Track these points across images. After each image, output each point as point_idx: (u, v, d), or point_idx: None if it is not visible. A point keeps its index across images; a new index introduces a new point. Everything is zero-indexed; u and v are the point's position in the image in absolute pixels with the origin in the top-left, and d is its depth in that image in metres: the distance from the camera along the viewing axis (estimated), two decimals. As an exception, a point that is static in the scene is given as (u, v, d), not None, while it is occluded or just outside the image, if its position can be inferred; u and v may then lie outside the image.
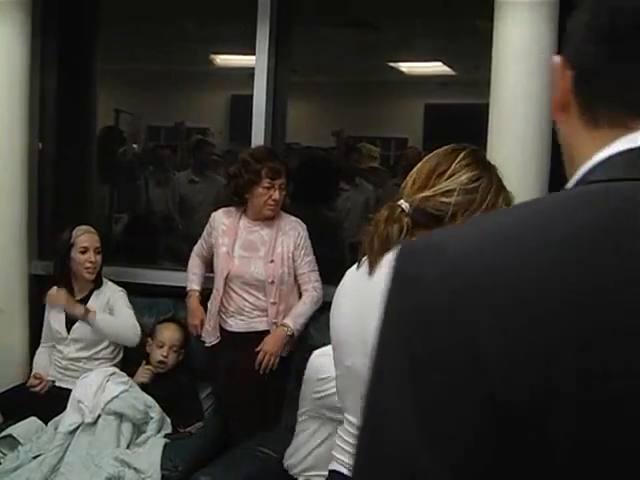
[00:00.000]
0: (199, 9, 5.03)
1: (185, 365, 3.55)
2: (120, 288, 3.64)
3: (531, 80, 2.91)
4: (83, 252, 3.54)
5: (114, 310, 3.54)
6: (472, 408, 0.55)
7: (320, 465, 2.39)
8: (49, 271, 3.83)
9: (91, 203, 4.67)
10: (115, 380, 3.31)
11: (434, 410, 0.57)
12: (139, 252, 4.54)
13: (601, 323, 0.55)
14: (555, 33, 2.90)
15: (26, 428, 3.29)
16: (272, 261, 3.31)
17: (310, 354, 2.62)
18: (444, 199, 1.59)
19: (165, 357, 3.46)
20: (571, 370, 0.54)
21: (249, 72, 3.97)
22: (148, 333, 3.58)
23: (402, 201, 1.61)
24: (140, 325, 3.63)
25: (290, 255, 3.34)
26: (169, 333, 3.51)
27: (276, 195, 3.28)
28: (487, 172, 1.64)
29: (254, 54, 3.87)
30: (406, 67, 6.80)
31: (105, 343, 3.56)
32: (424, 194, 1.60)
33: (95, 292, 3.57)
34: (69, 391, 3.31)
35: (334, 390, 1.78)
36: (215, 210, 3.53)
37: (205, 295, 3.53)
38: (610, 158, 0.63)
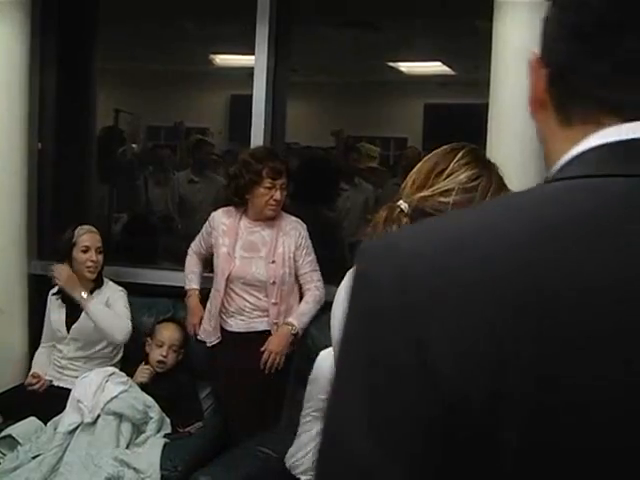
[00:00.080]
0: (199, 9, 5.03)
1: (185, 365, 3.55)
2: (121, 288, 3.64)
3: (531, 80, 2.90)
4: (85, 251, 3.55)
5: (112, 308, 3.54)
6: (421, 409, 0.55)
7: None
8: (48, 271, 3.83)
9: (90, 203, 4.67)
10: (114, 380, 3.31)
11: (385, 409, 0.57)
12: (138, 252, 4.54)
13: (557, 328, 0.54)
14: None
15: (25, 428, 3.29)
16: (273, 262, 3.31)
17: (311, 354, 2.62)
18: (442, 199, 1.58)
19: (164, 357, 3.46)
20: (522, 376, 0.54)
21: (248, 72, 3.97)
22: (147, 333, 3.58)
23: (401, 201, 1.61)
24: (139, 325, 3.63)
25: (291, 255, 3.34)
26: (168, 333, 3.51)
27: (277, 195, 3.28)
28: (487, 170, 1.64)
29: (253, 54, 3.87)
30: (406, 67, 6.81)
31: (104, 342, 3.56)
32: (422, 194, 1.60)
33: (96, 291, 3.57)
34: (68, 391, 3.30)
35: None
36: (215, 210, 3.53)
37: (203, 294, 3.54)
38: (581, 155, 0.63)
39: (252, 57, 3.89)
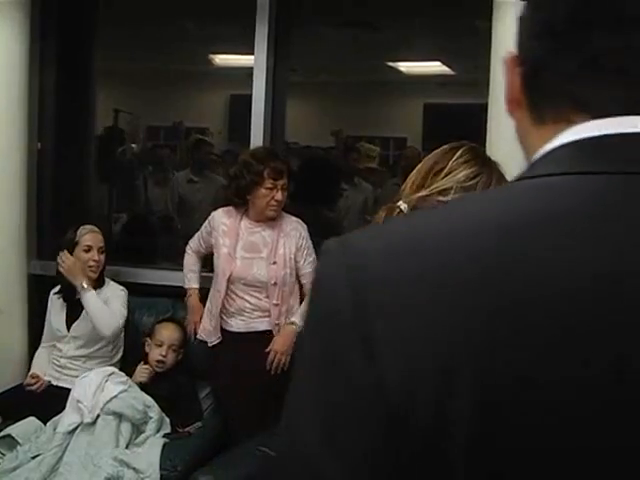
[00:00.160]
0: (198, 9, 5.03)
1: (184, 365, 3.55)
2: (121, 287, 3.65)
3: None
4: (87, 251, 3.56)
5: (108, 305, 3.54)
6: (368, 410, 0.55)
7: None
8: (48, 271, 3.83)
9: (90, 203, 4.67)
10: (114, 380, 3.31)
11: (334, 411, 0.56)
12: (138, 252, 4.54)
13: (506, 335, 0.54)
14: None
15: (25, 428, 3.29)
16: (274, 263, 3.30)
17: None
18: (441, 198, 1.58)
19: (164, 356, 3.46)
20: (467, 382, 0.53)
21: (248, 72, 3.97)
22: (147, 333, 3.58)
23: (401, 202, 1.60)
24: (139, 325, 3.64)
25: (292, 256, 3.34)
26: (168, 332, 3.52)
27: (279, 196, 3.28)
28: (487, 168, 1.63)
29: (253, 54, 3.87)
30: (405, 67, 6.81)
31: (104, 341, 3.56)
32: (421, 194, 1.59)
33: (97, 291, 3.58)
34: (68, 391, 3.30)
35: None
36: (214, 209, 3.52)
37: (202, 293, 3.54)
38: (549, 153, 0.63)
39: (252, 57, 3.89)
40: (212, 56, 6.88)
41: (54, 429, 3.21)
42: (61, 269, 3.54)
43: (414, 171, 1.65)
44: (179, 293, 3.66)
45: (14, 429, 3.27)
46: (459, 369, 0.53)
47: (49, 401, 3.39)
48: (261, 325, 3.33)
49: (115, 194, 5.53)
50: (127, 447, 3.17)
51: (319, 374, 0.58)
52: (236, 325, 3.36)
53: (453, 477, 0.54)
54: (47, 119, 4.17)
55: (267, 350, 3.27)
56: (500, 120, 3.02)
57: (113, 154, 5.71)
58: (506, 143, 3.01)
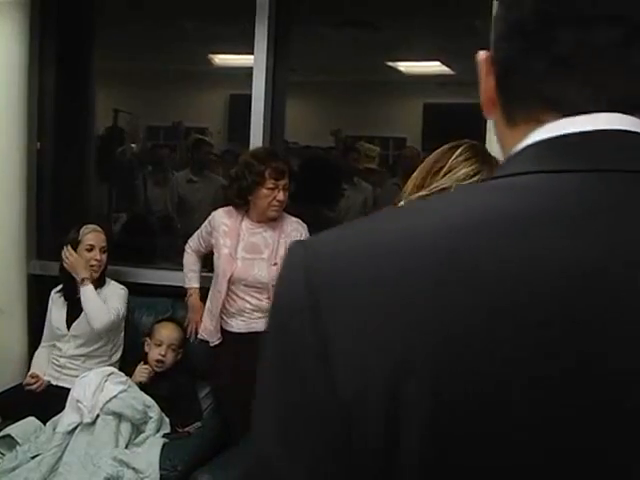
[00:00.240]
0: (198, 9, 5.03)
1: (184, 365, 3.55)
2: (122, 287, 3.66)
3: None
4: (89, 250, 3.56)
5: (106, 302, 3.55)
6: (320, 411, 0.55)
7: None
8: (48, 271, 3.83)
9: (90, 203, 4.67)
10: (114, 380, 3.31)
11: (290, 411, 0.56)
12: (138, 252, 4.54)
13: (460, 339, 0.53)
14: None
15: (24, 428, 3.29)
16: (275, 264, 3.30)
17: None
18: None
19: (163, 356, 3.46)
20: (420, 386, 0.53)
21: (248, 72, 3.97)
22: (146, 333, 3.59)
23: (402, 202, 1.60)
24: (138, 325, 3.65)
25: None
26: (167, 332, 3.52)
27: (280, 196, 3.28)
28: (487, 165, 1.63)
29: (253, 54, 3.86)
30: (405, 67, 6.81)
31: (104, 340, 3.57)
32: (420, 193, 1.59)
33: (97, 290, 3.58)
34: (67, 391, 3.31)
35: None
36: (214, 209, 3.52)
37: (202, 293, 3.54)
38: (519, 152, 0.62)
39: (251, 57, 3.89)
40: (212, 56, 6.88)
41: (54, 429, 3.21)
42: (65, 264, 3.55)
43: (416, 171, 1.65)
44: (179, 293, 3.66)
45: (14, 429, 3.27)
46: (411, 371, 0.53)
47: (49, 401, 3.40)
48: (261, 326, 3.33)
49: (115, 194, 5.54)
50: (127, 447, 3.17)
51: (277, 375, 0.58)
52: (236, 326, 3.35)
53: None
54: (47, 119, 4.17)
55: None
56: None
57: (113, 154, 5.71)
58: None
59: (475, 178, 1.59)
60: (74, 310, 3.57)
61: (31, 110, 3.89)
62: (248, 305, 3.33)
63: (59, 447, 3.11)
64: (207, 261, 3.59)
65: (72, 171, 4.38)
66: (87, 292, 3.50)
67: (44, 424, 3.30)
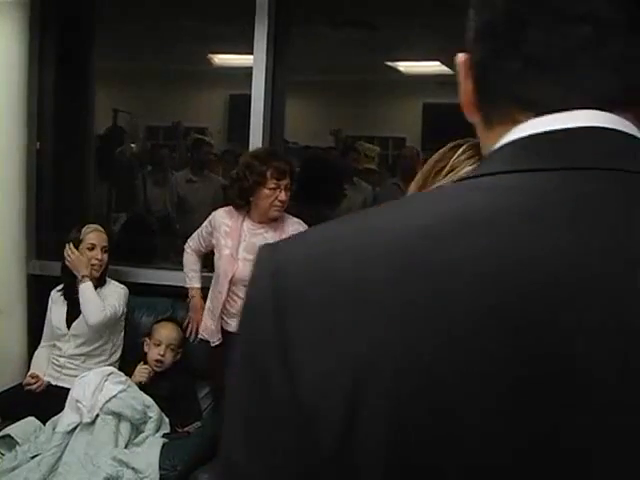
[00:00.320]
0: (197, 9, 5.03)
1: (183, 365, 3.55)
2: (122, 286, 3.67)
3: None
4: (90, 249, 3.57)
5: (104, 300, 3.55)
6: (279, 412, 0.54)
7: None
8: (47, 271, 3.83)
9: (89, 203, 4.67)
10: (113, 380, 3.31)
11: (252, 411, 0.56)
12: (137, 251, 4.54)
13: (420, 344, 0.52)
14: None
15: (24, 428, 3.29)
16: None
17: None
18: None
19: (162, 355, 3.46)
20: (379, 391, 0.52)
21: (247, 71, 3.97)
22: (146, 332, 3.59)
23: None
24: (138, 325, 3.65)
25: None
26: (166, 332, 3.52)
27: (282, 196, 3.27)
28: None
29: (252, 53, 3.86)
30: (404, 67, 6.81)
31: (103, 340, 3.57)
32: None
33: (97, 290, 3.58)
34: (67, 391, 3.31)
35: None
36: (214, 209, 3.52)
37: (202, 293, 3.55)
38: (494, 153, 0.62)
39: (251, 57, 3.89)
40: (211, 56, 6.88)
41: (53, 429, 3.21)
42: (67, 262, 3.55)
43: (419, 173, 1.65)
44: (178, 293, 3.66)
45: (13, 429, 3.27)
46: (371, 379, 0.52)
47: (48, 401, 3.40)
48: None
49: (114, 194, 5.54)
50: (126, 447, 3.17)
51: (243, 376, 0.58)
52: (237, 326, 3.35)
53: None
54: (46, 119, 4.17)
55: None
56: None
57: (112, 154, 5.70)
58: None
59: None
60: (74, 309, 3.58)
61: (31, 110, 3.89)
62: (248, 305, 3.33)
63: (59, 447, 3.11)
64: (207, 261, 3.59)
65: (72, 171, 4.38)
66: (85, 288, 3.51)
67: (44, 424, 3.30)
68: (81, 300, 3.51)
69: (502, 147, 0.62)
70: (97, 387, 3.24)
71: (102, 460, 3.05)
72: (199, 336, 3.49)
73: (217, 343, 3.39)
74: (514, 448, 0.51)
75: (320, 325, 0.55)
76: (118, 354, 3.64)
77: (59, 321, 3.61)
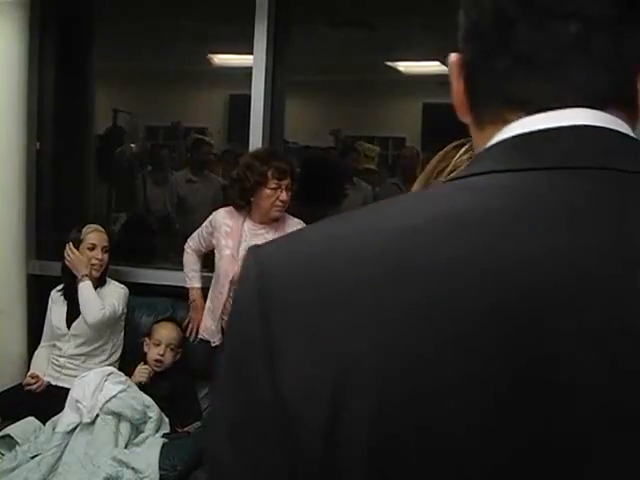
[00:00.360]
0: (197, 9, 5.03)
1: (183, 365, 3.55)
2: (122, 286, 3.67)
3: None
4: (91, 249, 3.57)
5: (103, 300, 3.55)
6: (264, 419, 0.54)
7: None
8: (47, 271, 3.83)
9: (89, 203, 4.67)
10: (113, 380, 3.31)
11: (236, 409, 0.56)
12: (137, 251, 4.54)
13: (402, 344, 0.52)
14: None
15: (24, 428, 3.29)
16: None
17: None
18: None
19: (161, 355, 3.46)
20: (363, 395, 0.51)
21: (247, 71, 3.96)
22: (146, 332, 3.59)
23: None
24: (138, 325, 3.65)
25: None
26: (166, 332, 3.52)
27: (283, 196, 3.27)
28: None
29: (252, 53, 3.86)
30: (404, 66, 6.81)
31: (103, 340, 3.57)
32: None
33: (97, 290, 3.58)
34: (67, 391, 3.31)
35: None
36: (215, 209, 3.52)
37: (203, 293, 3.55)
38: (484, 152, 0.62)
39: (251, 57, 3.88)
40: (211, 56, 6.88)
41: (53, 429, 3.21)
42: (67, 262, 3.56)
43: (422, 173, 1.65)
44: (178, 293, 3.66)
45: (13, 429, 3.27)
46: (355, 381, 0.52)
47: (48, 401, 3.40)
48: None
49: (114, 194, 5.54)
50: (126, 447, 3.17)
51: (229, 375, 0.58)
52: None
53: None
54: (46, 119, 4.17)
55: None
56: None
57: (112, 154, 5.70)
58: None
59: None
60: (74, 309, 3.58)
61: (31, 110, 3.89)
62: (248, 306, 3.33)
63: (58, 447, 3.11)
64: (207, 261, 3.59)
65: (71, 171, 4.38)
66: (84, 287, 3.52)
67: (44, 424, 3.30)
68: (80, 299, 3.51)
69: (492, 147, 0.61)
70: (97, 387, 3.24)
71: (102, 460, 3.05)
72: (199, 336, 3.49)
73: (217, 343, 3.39)
74: (514, 448, 0.51)
75: (304, 327, 0.54)
76: (118, 354, 3.65)
77: (59, 321, 3.61)
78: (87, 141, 4.61)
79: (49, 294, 3.71)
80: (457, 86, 0.67)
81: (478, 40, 0.64)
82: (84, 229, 3.62)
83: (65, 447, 3.12)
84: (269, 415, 0.54)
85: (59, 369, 3.58)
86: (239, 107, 4.42)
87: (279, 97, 3.94)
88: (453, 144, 1.66)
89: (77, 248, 3.57)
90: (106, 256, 3.61)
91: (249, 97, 3.87)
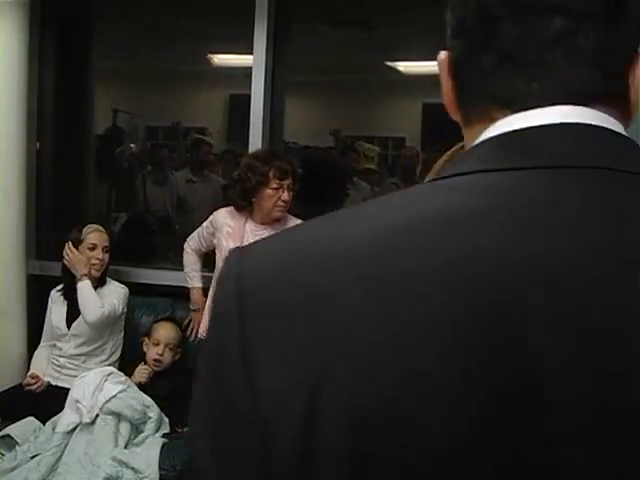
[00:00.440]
0: (197, 8, 5.03)
1: (183, 365, 3.55)
2: (122, 286, 3.67)
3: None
4: (91, 249, 3.57)
5: (103, 299, 3.55)
6: (240, 416, 0.54)
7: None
8: (47, 271, 3.83)
9: (89, 203, 4.67)
10: (113, 380, 3.31)
11: (213, 415, 0.56)
12: (137, 251, 4.54)
13: (379, 354, 0.51)
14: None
15: (24, 428, 3.29)
16: None
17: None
18: None
19: (161, 355, 3.46)
20: (338, 404, 0.51)
21: (247, 71, 3.96)
22: (146, 332, 3.59)
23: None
24: (138, 325, 3.65)
25: None
26: (165, 332, 3.52)
27: (285, 196, 3.27)
28: None
29: (252, 53, 3.86)
30: (404, 66, 6.80)
31: (103, 340, 3.57)
32: None
33: (98, 289, 3.58)
34: (67, 391, 3.31)
35: None
36: (214, 209, 3.52)
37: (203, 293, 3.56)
38: (469, 151, 0.61)
39: (250, 56, 3.89)
40: (211, 56, 6.87)
41: (53, 429, 3.21)
42: (65, 262, 3.56)
43: (431, 171, 1.65)
44: (178, 293, 3.66)
45: (13, 429, 3.27)
46: (331, 384, 0.51)
47: (48, 401, 3.40)
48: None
49: (114, 194, 5.53)
50: (126, 447, 3.16)
51: (207, 378, 0.57)
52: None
53: None
54: (46, 119, 4.17)
55: None
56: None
57: (112, 154, 5.70)
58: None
59: None
60: (74, 309, 3.58)
61: (31, 109, 3.89)
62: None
63: (58, 447, 3.11)
64: (208, 261, 3.59)
65: (71, 171, 4.38)
66: (83, 286, 3.52)
67: (44, 424, 3.30)
68: (79, 298, 3.51)
69: (478, 145, 0.60)
70: (97, 387, 3.23)
71: (102, 460, 3.05)
72: (199, 336, 3.49)
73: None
74: (505, 451, 0.49)
75: (279, 333, 0.53)
76: (118, 354, 3.65)
77: (59, 321, 3.61)
78: (87, 141, 4.61)
79: (49, 294, 3.71)
80: (446, 84, 0.66)
81: (464, 37, 0.63)
82: (85, 229, 3.62)
83: (65, 447, 3.12)
84: (246, 424, 0.53)
85: (59, 369, 3.58)
86: (239, 107, 4.42)
87: (279, 97, 3.94)
88: (460, 144, 1.66)
89: (77, 248, 3.57)
90: (107, 256, 3.61)
91: (249, 97, 3.87)
